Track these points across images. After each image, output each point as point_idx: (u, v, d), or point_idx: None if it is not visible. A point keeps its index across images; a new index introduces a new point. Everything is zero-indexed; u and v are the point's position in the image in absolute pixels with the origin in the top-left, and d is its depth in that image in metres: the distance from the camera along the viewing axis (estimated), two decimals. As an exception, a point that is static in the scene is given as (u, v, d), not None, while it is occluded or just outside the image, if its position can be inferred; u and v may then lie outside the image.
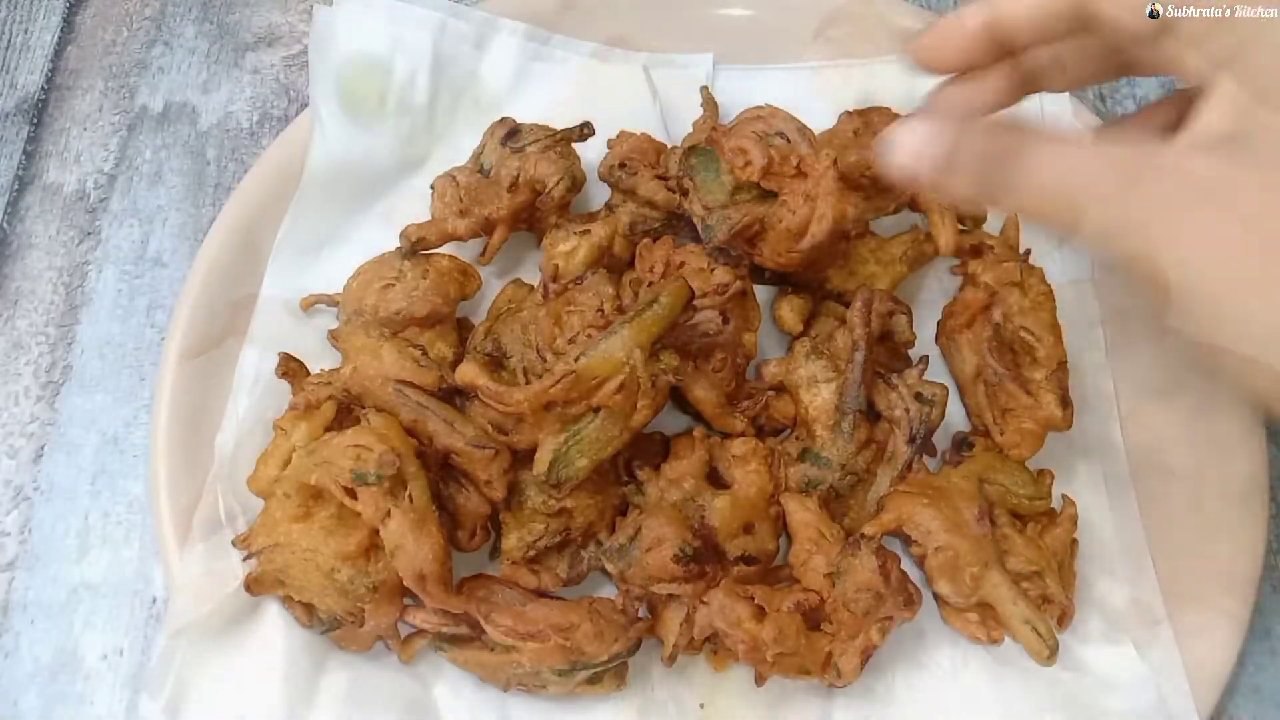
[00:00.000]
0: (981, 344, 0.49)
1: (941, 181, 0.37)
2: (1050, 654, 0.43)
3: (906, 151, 0.38)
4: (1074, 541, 0.47)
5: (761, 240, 0.46)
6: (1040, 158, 0.36)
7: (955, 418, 0.51)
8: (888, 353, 0.49)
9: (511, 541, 0.44)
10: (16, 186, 0.60)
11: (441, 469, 0.44)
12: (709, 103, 0.56)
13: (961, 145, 0.37)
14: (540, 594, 0.44)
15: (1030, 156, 0.36)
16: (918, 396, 0.47)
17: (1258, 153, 0.33)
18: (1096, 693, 0.44)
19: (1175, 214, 0.34)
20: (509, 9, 0.57)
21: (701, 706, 0.45)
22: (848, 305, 0.49)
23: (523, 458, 0.44)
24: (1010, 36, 0.39)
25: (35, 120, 0.62)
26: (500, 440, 0.44)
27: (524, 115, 0.53)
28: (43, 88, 0.63)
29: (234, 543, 0.44)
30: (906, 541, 0.46)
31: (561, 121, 0.52)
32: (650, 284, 0.46)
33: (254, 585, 0.43)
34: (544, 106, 0.55)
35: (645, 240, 0.49)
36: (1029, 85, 0.43)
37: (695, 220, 0.47)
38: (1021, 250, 0.51)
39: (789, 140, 0.45)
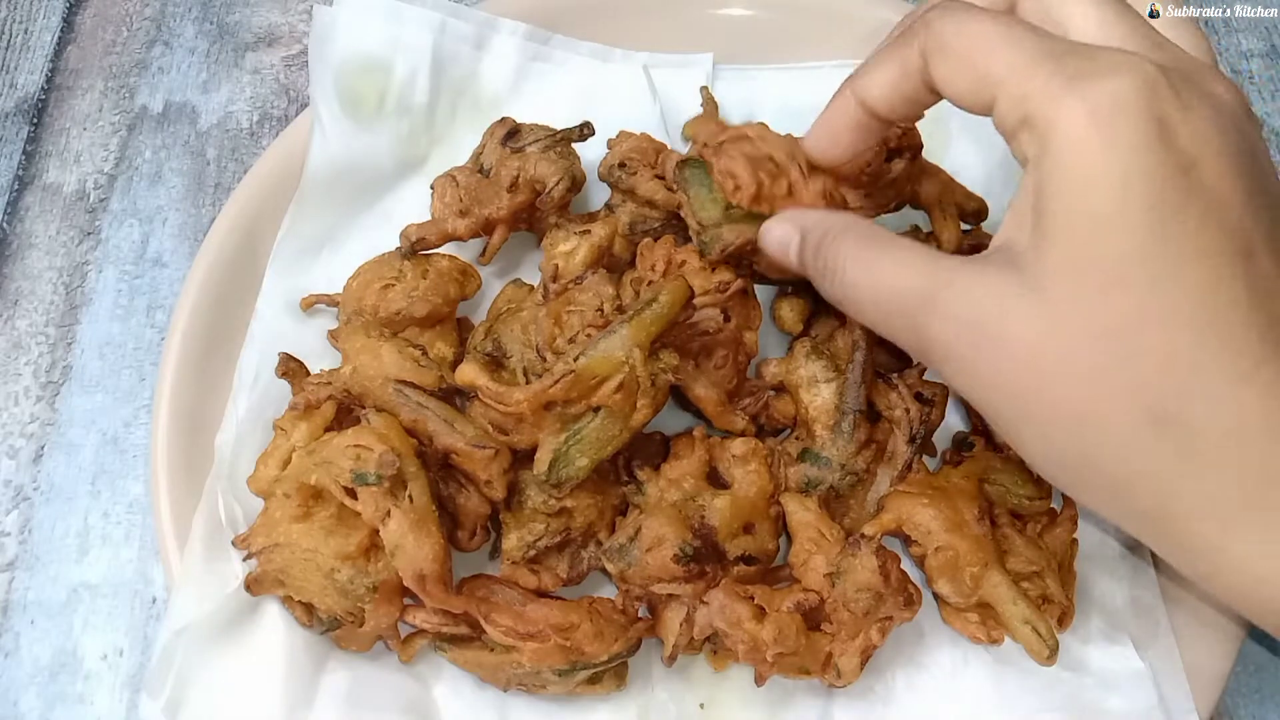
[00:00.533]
0: (981, 344, 0.49)
1: (804, 274, 0.41)
2: (1050, 654, 0.43)
3: (773, 246, 0.43)
4: (1074, 541, 0.47)
5: (756, 257, 0.46)
6: (855, 273, 0.37)
7: (955, 418, 0.51)
8: (888, 353, 0.49)
9: (511, 541, 0.44)
10: (16, 186, 0.60)
11: (441, 469, 0.44)
12: (709, 103, 0.56)
13: (802, 252, 0.41)
14: (540, 594, 0.44)
15: (847, 272, 0.37)
16: (918, 396, 0.47)
17: (1030, 276, 0.32)
18: (1096, 692, 0.44)
19: (954, 346, 0.34)
20: (509, 9, 0.57)
21: (701, 706, 0.45)
22: (848, 305, 0.49)
23: (523, 458, 0.44)
24: (882, 115, 0.40)
25: (35, 120, 0.62)
26: (500, 440, 0.44)
27: (524, 115, 0.53)
28: (43, 88, 0.63)
29: (234, 543, 0.44)
30: (906, 541, 0.46)
31: (561, 121, 0.52)
32: (651, 283, 0.46)
33: (254, 585, 0.43)
34: (544, 106, 0.55)
35: (646, 239, 0.49)
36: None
37: (691, 234, 0.47)
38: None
39: (778, 164, 0.45)
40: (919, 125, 0.53)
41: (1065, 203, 0.32)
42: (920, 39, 0.36)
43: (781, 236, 0.42)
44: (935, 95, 0.38)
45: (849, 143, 0.42)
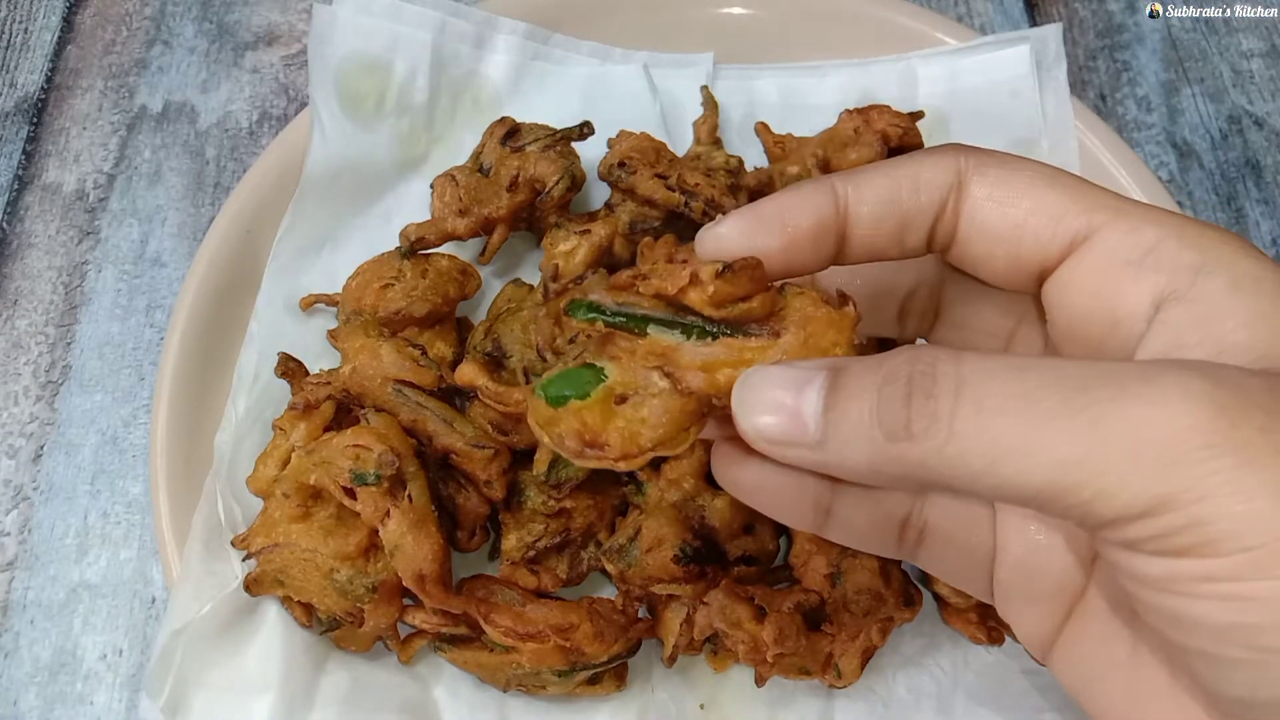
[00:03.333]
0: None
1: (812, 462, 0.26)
2: (1051, 654, 0.43)
3: (770, 399, 0.26)
4: (1074, 542, 0.47)
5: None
6: (999, 433, 0.23)
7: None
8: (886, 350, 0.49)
9: (511, 542, 0.44)
10: (16, 186, 0.59)
11: (441, 469, 0.44)
12: (709, 102, 0.56)
13: (838, 404, 0.25)
14: (540, 594, 0.44)
15: (983, 431, 0.23)
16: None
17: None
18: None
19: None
20: (509, 8, 0.57)
21: (702, 707, 0.45)
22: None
23: (523, 458, 0.44)
24: (861, 231, 0.30)
25: (35, 120, 0.62)
26: (500, 440, 0.44)
27: (524, 114, 0.53)
28: (43, 87, 0.63)
29: (233, 543, 0.44)
30: (907, 542, 0.46)
31: (561, 121, 0.52)
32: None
33: (253, 585, 0.43)
34: (544, 106, 0.55)
35: (646, 239, 0.48)
36: None
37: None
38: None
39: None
40: (919, 125, 0.53)
41: None
42: (956, 153, 0.30)
43: (786, 381, 0.26)
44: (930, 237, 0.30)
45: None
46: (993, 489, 0.23)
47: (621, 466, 0.27)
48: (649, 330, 0.27)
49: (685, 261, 0.29)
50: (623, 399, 0.27)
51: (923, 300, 0.34)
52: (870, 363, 0.25)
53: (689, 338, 0.27)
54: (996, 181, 0.29)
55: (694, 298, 0.27)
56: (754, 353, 0.27)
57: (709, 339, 0.27)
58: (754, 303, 0.27)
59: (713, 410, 0.27)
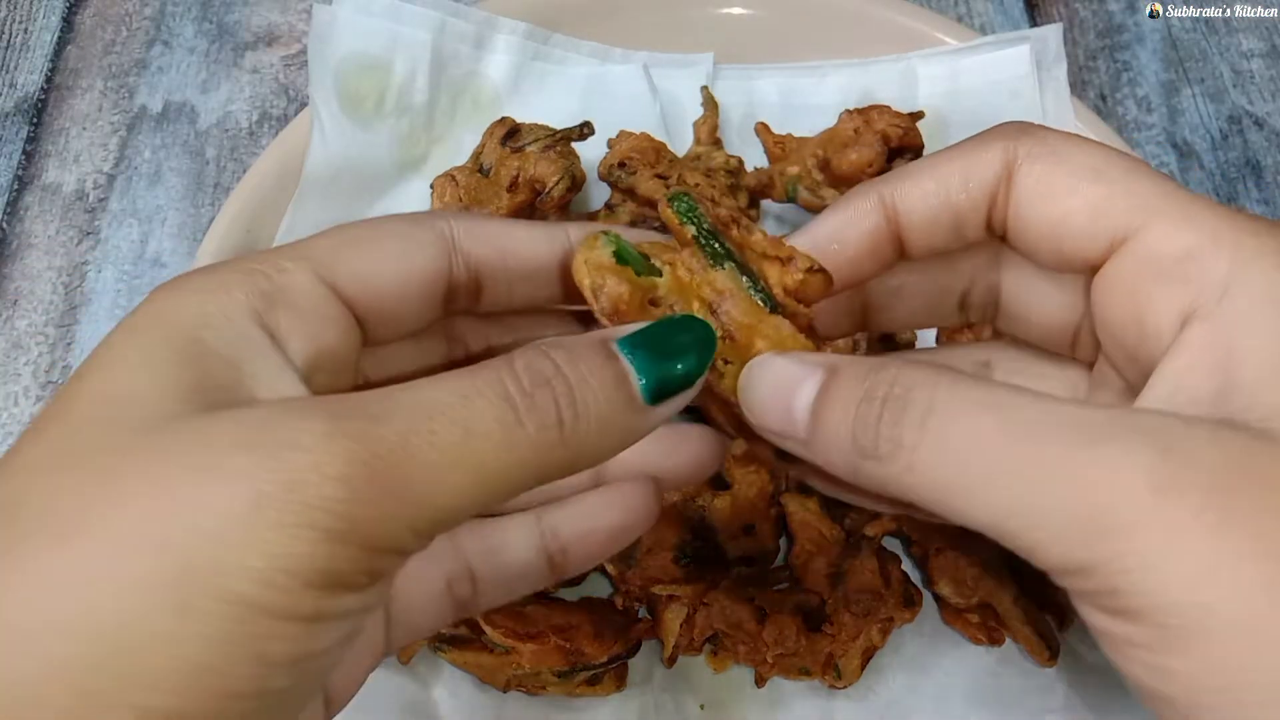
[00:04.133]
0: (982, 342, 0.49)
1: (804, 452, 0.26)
2: (1052, 655, 0.43)
3: (767, 392, 0.27)
4: (1075, 542, 0.47)
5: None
6: (962, 457, 0.23)
7: (956, 418, 0.51)
8: (888, 352, 0.49)
9: (511, 542, 0.44)
10: (16, 186, 0.59)
11: (441, 469, 0.44)
12: (709, 102, 0.56)
13: (824, 411, 0.26)
14: (540, 594, 0.44)
15: (946, 451, 0.24)
16: (918, 396, 0.47)
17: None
18: (1098, 694, 0.44)
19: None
20: (509, 8, 0.57)
21: (702, 707, 0.45)
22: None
23: (522, 458, 0.44)
24: (915, 239, 0.31)
25: (35, 120, 0.62)
26: (500, 440, 0.44)
27: (523, 114, 0.53)
28: (42, 88, 0.63)
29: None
30: (907, 542, 0.46)
31: (561, 121, 0.52)
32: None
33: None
34: (544, 106, 0.55)
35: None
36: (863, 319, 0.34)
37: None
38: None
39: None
40: (919, 125, 0.53)
41: None
42: (1007, 140, 0.29)
43: (786, 377, 0.26)
44: (991, 227, 0.30)
45: (857, 254, 0.30)
46: (950, 514, 0.24)
47: None
48: (726, 265, 0.28)
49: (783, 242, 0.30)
50: (655, 304, 0.27)
51: (981, 293, 0.34)
52: (860, 371, 0.26)
53: (757, 296, 0.27)
54: (1040, 176, 0.28)
55: (774, 274, 0.28)
56: (796, 345, 0.27)
57: (770, 309, 0.27)
58: (804, 313, 0.28)
59: (710, 372, 0.27)
